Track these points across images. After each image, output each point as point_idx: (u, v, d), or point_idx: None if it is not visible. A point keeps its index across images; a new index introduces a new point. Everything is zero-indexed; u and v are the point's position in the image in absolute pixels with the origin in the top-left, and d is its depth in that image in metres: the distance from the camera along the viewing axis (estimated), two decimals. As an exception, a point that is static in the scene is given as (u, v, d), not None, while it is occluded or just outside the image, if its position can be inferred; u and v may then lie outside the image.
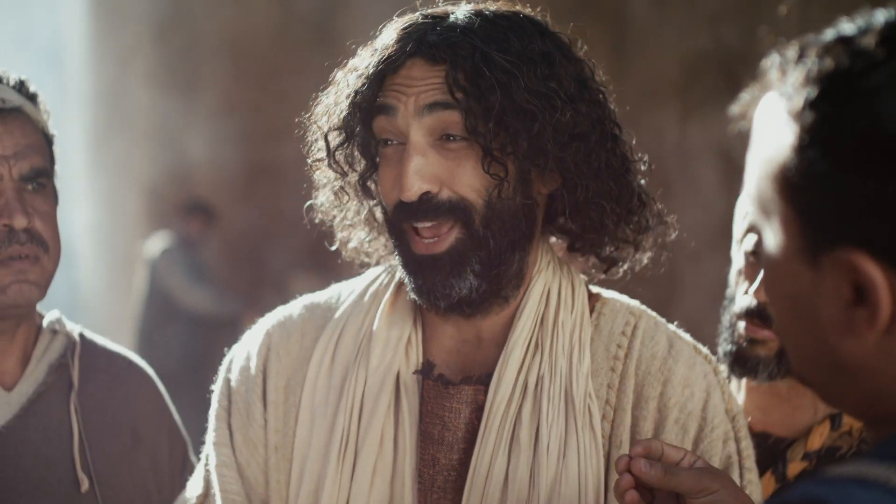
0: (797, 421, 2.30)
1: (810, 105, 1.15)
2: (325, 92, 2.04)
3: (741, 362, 2.30)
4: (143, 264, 7.97)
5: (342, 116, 1.97)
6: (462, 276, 1.89)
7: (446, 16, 1.94)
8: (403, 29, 1.94)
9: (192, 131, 8.43)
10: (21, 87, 2.32)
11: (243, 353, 2.13)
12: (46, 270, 2.26)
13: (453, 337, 2.02)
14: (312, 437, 2.00)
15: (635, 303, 2.06)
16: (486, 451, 1.92)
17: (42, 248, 2.24)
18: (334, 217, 2.13)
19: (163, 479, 2.37)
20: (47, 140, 2.34)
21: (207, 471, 2.10)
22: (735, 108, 1.30)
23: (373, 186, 2.03)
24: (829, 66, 1.15)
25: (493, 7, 1.96)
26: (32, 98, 2.34)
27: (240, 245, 8.94)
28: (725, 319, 2.35)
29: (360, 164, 2.01)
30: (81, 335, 2.40)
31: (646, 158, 2.04)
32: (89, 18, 8.33)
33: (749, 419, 2.29)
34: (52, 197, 2.31)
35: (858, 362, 1.16)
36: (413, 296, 1.95)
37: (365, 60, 1.96)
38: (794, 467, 2.25)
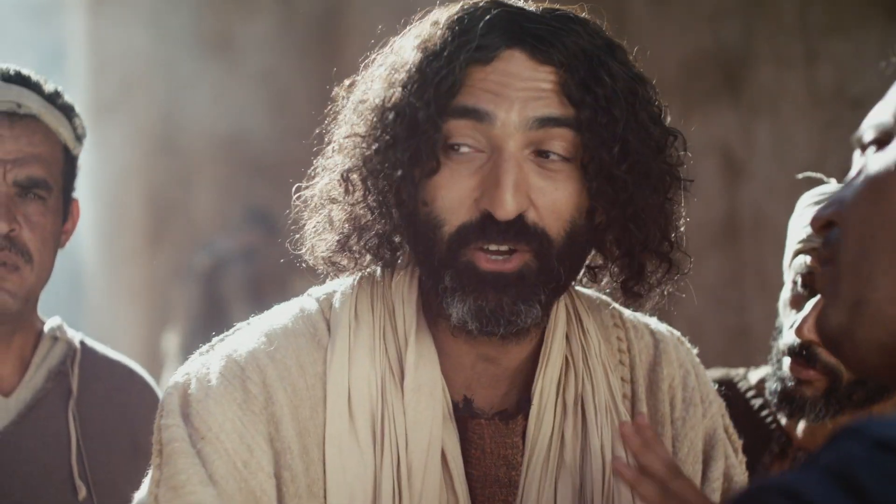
0: None
1: None
2: (378, 62, 1.72)
3: (788, 401, 2.22)
4: (193, 276, 7.78)
5: (402, 100, 1.64)
6: (531, 302, 1.63)
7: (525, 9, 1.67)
8: (486, 11, 1.65)
9: (197, 130, 8.42)
10: (54, 97, 2.31)
11: (214, 384, 1.66)
12: (26, 281, 2.23)
13: (473, 365, 1.73)
14: None
15: (595, 293, 1.88)
16: (532, 481, 1.73)
17: (24, 258, 2.22)
18: (317, 212, 1.77)
19: None
20: (67, 156, 2.32)
21: None
22: None
23: (412, 192, 1.67)
24: None
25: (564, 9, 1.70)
26: (66, 111, 2.33)
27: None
28: (773, 353, 2.27)
29: (408, 162, 1.65)
30: (82, 342, 2.39)
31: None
32: (91, 22, 8.33)
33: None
34: (54, 212, 2.28)
35: None
36: (462, 320, 1.63)
37: (442, 38, 1.65)
38: None
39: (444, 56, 1.63)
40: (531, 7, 1.67)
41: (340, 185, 1.72)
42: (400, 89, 1.65)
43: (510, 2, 1.67)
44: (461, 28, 1.65)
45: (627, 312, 1.88)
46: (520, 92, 1.60)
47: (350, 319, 1.73)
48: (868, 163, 1.24)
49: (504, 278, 1.62)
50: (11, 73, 2.30)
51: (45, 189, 2.24)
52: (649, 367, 1.87)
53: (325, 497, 1.65)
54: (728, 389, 2.35)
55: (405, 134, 1.63)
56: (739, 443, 1.91)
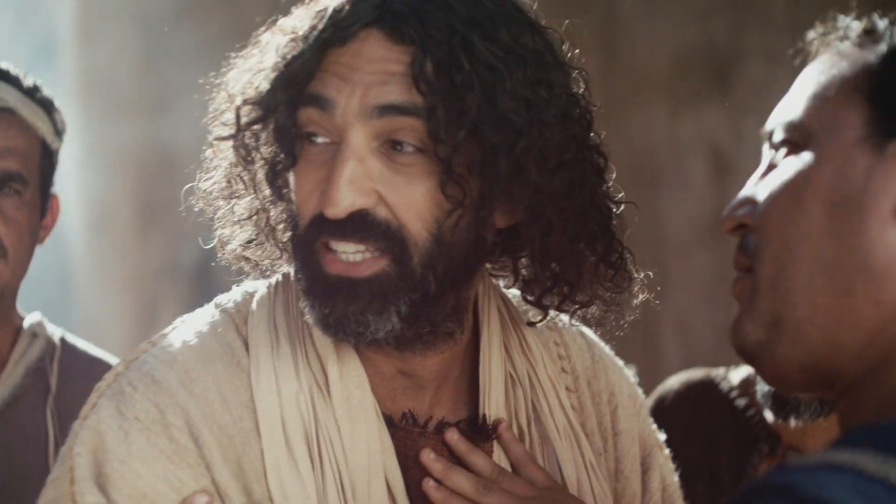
0: None
1: None
2: (244, 53, 1.58)
3: (781, 403, 2.20)
4: (183, 271, 7.76)
5: (261, 88, 1.52)
6: (383, 315, 1.46)
7: None
8: None
9: (186, 119, 8.41)
10: (32, 91, 2.29)
11: (134, 438, 1.46)
12: (1, 276, 2.22)
13: (395, 378, 1.58)
14: None
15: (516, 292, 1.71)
16: None
17: None
18: (218, 208, 1.64)
19: None
20: (45, 150, 2.30)
21: None
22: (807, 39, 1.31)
23: (283, 185, 1.56)
24: None
25: None
26: (45, 105, 2.31)
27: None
28: None
29: (272, 153, 1.54)
30: (62, 339, 2.37)
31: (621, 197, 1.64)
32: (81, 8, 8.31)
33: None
34: (30, 206, 2.26)
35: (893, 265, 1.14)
36: (315, 327, 1.50)
37: (304, 21, 1.51)
38: None
39: (301, 38, 1.49)
40: None
41: (227, 183, 1.61)
42: (261, 78, 1.52)
43: None
44: (321, 7, 1.50)
45: (553, 311, 1.68)
46: (367, 76, 1.44)
47: (271, 335, 1.56)
48: (781, 167, 1.22)
49: (353, 284, 1.46)
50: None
51: (21, 183, 2.22)
52: (590, 374, 1.75)
53: None
54: (710, 391, 2.35)
55: (265, 125, 1.52)
56: (662, 437, 1.83)
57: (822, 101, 1.20)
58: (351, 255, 1.46)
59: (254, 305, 1.60)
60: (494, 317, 1.63)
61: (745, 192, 1.26)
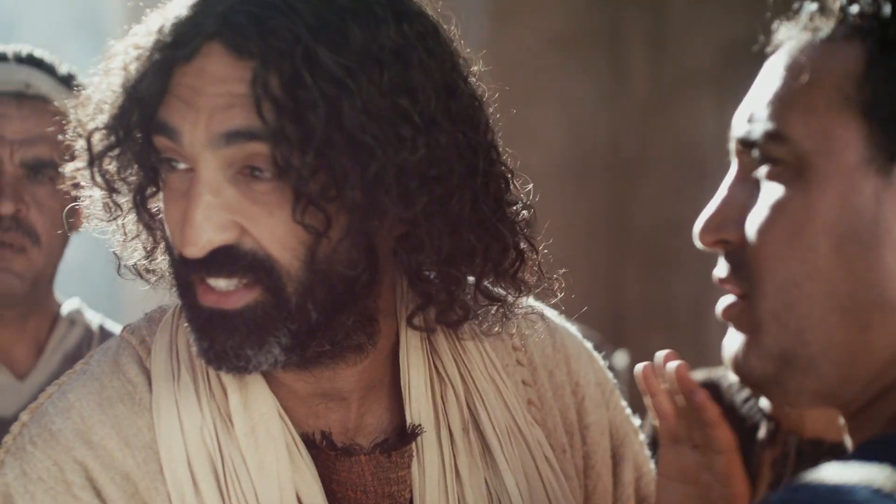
0: None
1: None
2: (97, 70, 1.42)
3: None
4: None
5: (114, 113, 1.37)
6: (262, 348, 1.35)
7: None
8: None
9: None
10: (67, 79, 2.32)
11: (40, 499, 1.40)
12: (34, 263, 2.22)
13: (311, 399, 1.47)
14: None
15: None
16: None
17: (30, 239, 2.21)
18: (106, 226, 1.51)
19: None
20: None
21: None
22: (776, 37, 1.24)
23: (154, 212, 1.43)
24: None
25: None
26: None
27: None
28: None
29: (136, 180, 1.40)
30: (101, 327, 2.39)
31: (529, 188, 1.49)
32: None
33: (800, 428, 2.28)
34: (64, 194, 2.28)
35: None
36: (202, 361, 1.39)
37: (149, 35, 1.36)
38: None
39: (145, 54, 1.35)
40: None
41: (103, 206, 1.48)
42: (111, 100, 1.38)
43: None
44: (167, 18, 1.35)
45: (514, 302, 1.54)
46: (211, 99, 1.29)
47: (172, 366, 1.46)
48: (772, 192, 1.13)
49: (226, 317, 1.34)
50: (23, 54, 2.30)
51: (54, 170, 2.24)
52: (551, 364, 1.64)
53: None
54: (714, 392, 2.37)
55: (122, 151, 1.39)
56: (637, 422, 1.74)
57: (809, 114, 1.11)
58: (223, 284, 1.34)
59: (157, 335, 1.49)
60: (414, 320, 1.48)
61: (721, 202, 1.18)
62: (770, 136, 1.13)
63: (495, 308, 1.49)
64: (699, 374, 2.48)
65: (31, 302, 2.29)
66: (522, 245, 1.46)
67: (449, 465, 1.50)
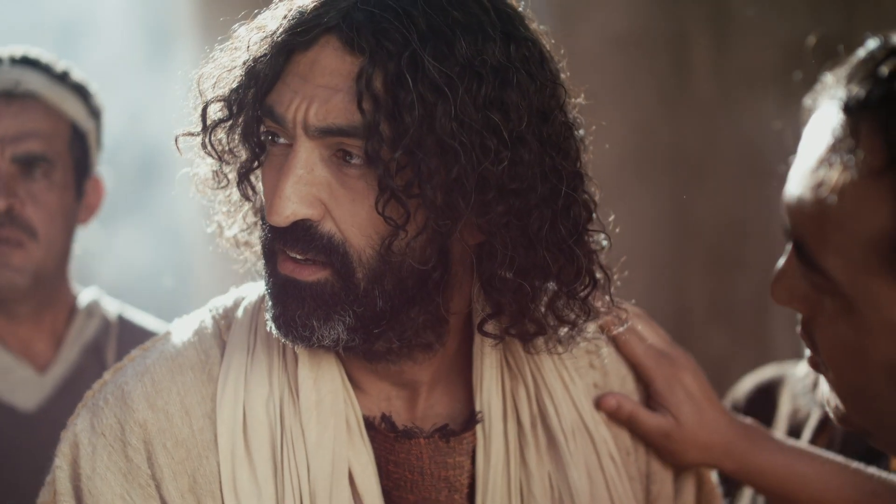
0: None
1: None
2: (221, 47, 1.55)
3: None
4: None
5: (231, 87, 1.50)
6: (328, 323, 1.44)
7: None
8: None
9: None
10: (61, 76, 2.35)
11: (98, 454, 1.52)
12: (33, 257, 2.28)
13: (382, 383, 1.57)
14: None
15: None
16: None
17: (27, 234, 2.26)
18: (213, 195, 1.66)
19: None
20: (76, 132, 2.36)
21: None
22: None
23: (252, 184, 1.58)
24: None
25: None
26: (78, 89, 2.37)
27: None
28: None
29: (244, 151, 1.54)
30: (120, 316, 2.42)
31: (610, 219, 1.59)
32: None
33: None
34: (61, 187, 2.31)
35: None
36: (272, 328, 1.49)
37: (275, 19, 1.48)
38: None
39: (269, 37, 1.47)
40: None
41: (212, 174, 1.62)
42: (231, 77, 1.51)
43: None
44: (294, 8, 1.47)
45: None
46: (315, 89, 1.41)
47: (248, 341, 1.57)
48: (827, 318, 1.12)
49: (297, 287, 1.45)
50: (17, 56, 2.35)
51: (47, 164, 2.28)
52: (623, 371, 1.73)
53: None
54: (780, 387, 2.38)
55: (233, 124, 1.52)
56: None
57: (847, 262, 1.06)
58: (299, 257, 1.45)
59: (240, 311, 1.61)
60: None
61: (782, 271, 1.18)
62: (811, 265, 1.10)
63: (565, 330, 1.56)
64: (769, 371, 2.47)
65: (42, 296, 2.33)
66: (597, 274, 1.54)
67: (514, 455, 1.57)
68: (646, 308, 1.79)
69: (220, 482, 1.50)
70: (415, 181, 1.38)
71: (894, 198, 1.02)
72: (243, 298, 1.63)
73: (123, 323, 2.42)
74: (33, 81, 2.32)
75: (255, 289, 1.63)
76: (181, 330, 1.62)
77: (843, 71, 1.10)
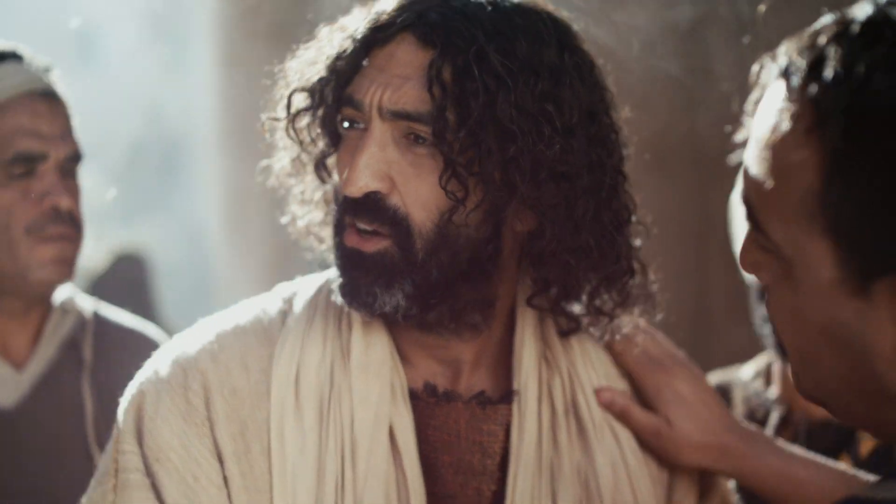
0: None
1: (844, 127, 1.04)
2: (306, 46, 1.73)
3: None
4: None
5: (315, 78, 1.67)
6: (389, 291, 1.60)
7: None
8: None
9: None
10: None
11: (162, 398, 1.66)
12: (77, 253, 2.31)
13: (428, 359, 1.70)
14: (297, 493, 1.62)
15: None
16: (523, 481, 1.67)
17: (77, 231, 2.30)
18: (290, 186, 1.81)
19: None
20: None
21: None
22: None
23: (328, 170, 1.75)
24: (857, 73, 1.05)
25: None
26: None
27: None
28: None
29: (322, 140, 1.72)
30: (95, 313, 2.44)
31: (649, 220, 1.74)
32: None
33: (807, 409, 2.33)
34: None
35: None
36: (338, 298, 1.64)
37: (356, 22, 1.66)
38: (866, 445, 2.24)
39: (351, 36, 1.65)
40: None
41: (291, 163, 1.78)
42: (314, 70, 1.68)
43: None
44: (375, 10, 1.65)
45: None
46: (390, 77, 1.58)
47: (308, 312, 1.72)
48: (770, 269, 1.15)
49: (362, 258, 1.60)
50: (32, 54, 2.37)
51: (79, 164, 2.33)
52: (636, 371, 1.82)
53: (270, 489, 1.62)
54: (725, 395, 2.41)
55: (314, 113, 1.68)
56: None
57: (784, 222, 1.10)
58: (365, 227, 1.59)
59: (303, 290, 1.76)
60: (531, 314, 1.74)
61: (746, 243, 1.20)
62: (761, 234, 1.14)
63: (604, 322, 1.73)
64: (712, 378, 2.49)
65: (50, 292, 2.36)
66: (634, 264, 1.70)
67: (547, 435, 1.70)
68: (666, 303, 1.81)
69: (269, 431, 1.63)
70: (475, 159, 1.54)
71: (821, 156, 1.05)
72: (308, 283, 1.77)
73: (99, 319, 2.43)
74: (54, 83, 2.35)
75: (320, 277, 1.76)
76: (245, 306, 1.76)
77: (793, 42, 1.14)
